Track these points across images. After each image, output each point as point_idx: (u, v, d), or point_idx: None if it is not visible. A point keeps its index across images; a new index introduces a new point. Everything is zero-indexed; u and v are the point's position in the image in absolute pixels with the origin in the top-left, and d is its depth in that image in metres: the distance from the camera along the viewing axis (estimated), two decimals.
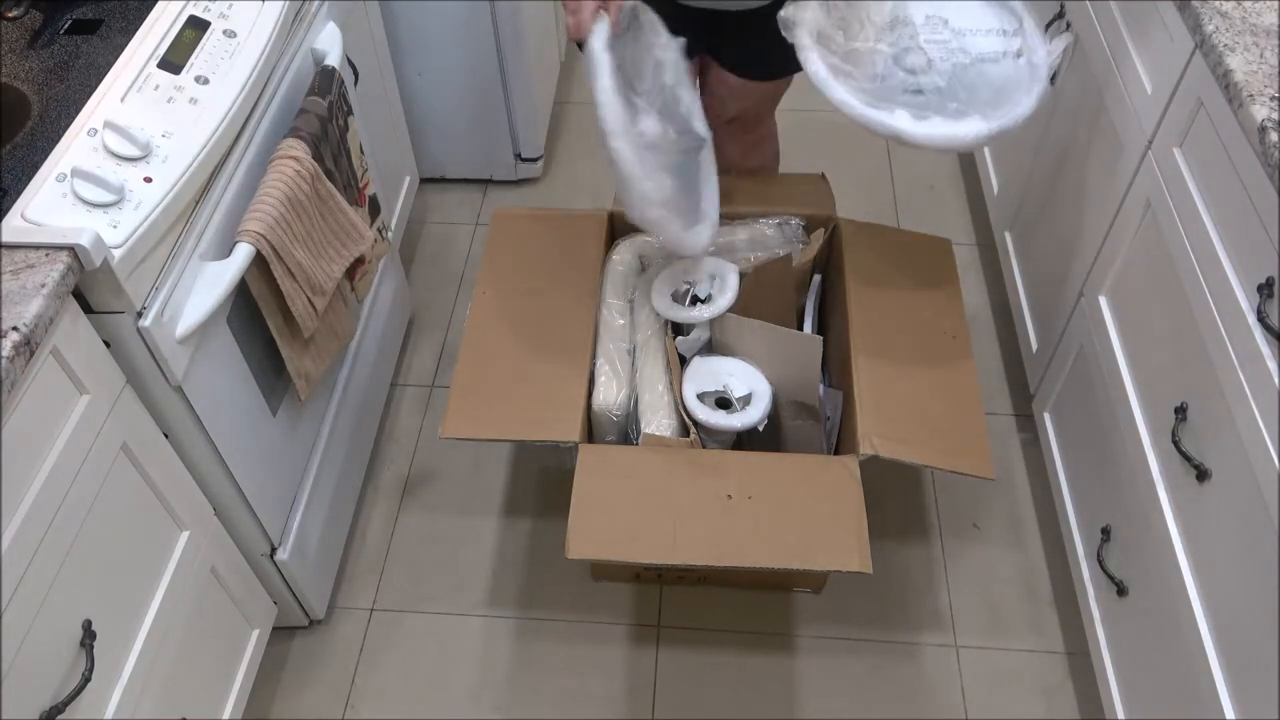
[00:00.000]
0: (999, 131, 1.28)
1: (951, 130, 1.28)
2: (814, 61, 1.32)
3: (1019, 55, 1.31)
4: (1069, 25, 1.58)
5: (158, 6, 1.24)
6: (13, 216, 1.00)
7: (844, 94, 1.30)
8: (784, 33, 1.35)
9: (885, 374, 1.42)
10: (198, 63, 1.19)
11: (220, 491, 1.28)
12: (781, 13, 1.34)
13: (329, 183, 1.31)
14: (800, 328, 1.59)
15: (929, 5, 1.35)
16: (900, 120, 1.29)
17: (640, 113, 1.31)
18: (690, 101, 1.39)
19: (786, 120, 1.78)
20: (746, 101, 1.61)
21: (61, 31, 1.24)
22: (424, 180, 2.29)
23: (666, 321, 1.51)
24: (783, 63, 1.38)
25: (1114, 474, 1.37)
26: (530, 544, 1.70)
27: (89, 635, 1.05)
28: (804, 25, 1.35)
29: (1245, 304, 1.06)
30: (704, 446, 1.42)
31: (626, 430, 1.47)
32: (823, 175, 1.70)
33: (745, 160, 1.74)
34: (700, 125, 1.41)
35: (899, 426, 1.37)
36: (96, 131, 1.07)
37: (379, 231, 1.59)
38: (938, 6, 1.35)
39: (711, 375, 1.46)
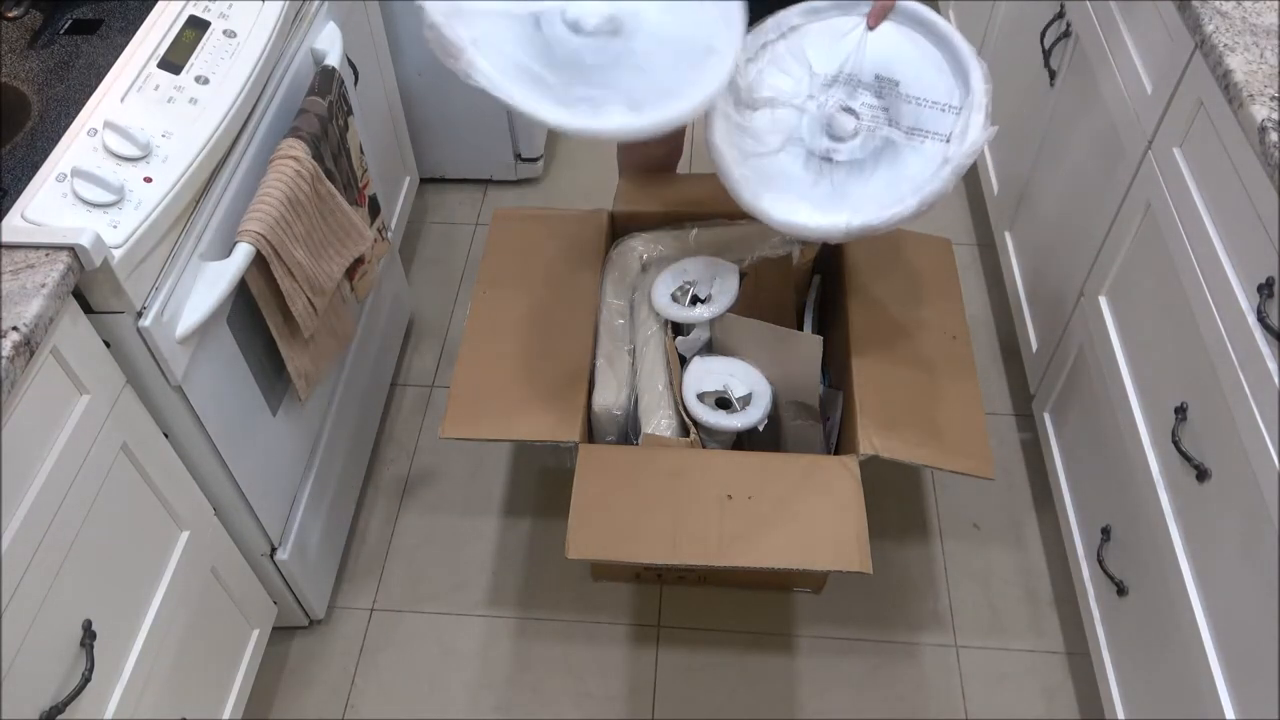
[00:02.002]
0: (862, 229, 1.27)
1: (818, 221, 1.28)
2: (717, 128, 1.31)
3: (948, 140, 1.27)
4: (1069, 25, 1.59)
5: (158, 6, 1.24)
6: (13, 216, 1.00)
7: (729, 173, 1.31)
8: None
9: (885, 374, 1.42)
10: (198, 63, 1.19)
11: (220, 491, 1.28)
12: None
13: (329, 183, 1.31)
14: (800, 328, 1.59)
15: (885, 60, 1.32)
16: (769, 206, 1.30)
17: None
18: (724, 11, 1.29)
19: None
20: None
21: (61, 31, 1.24)
22: (424, 180, 2.29)
23: (666, 321, 1.51)
24: None
25: (1114, 474, 1.37)
26: (530, 544, 1.70)
27: (89, 635, 1.05)
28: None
29: (1245, 304, 1.06)
30: (704, 446, 1.42)
31: (626, 430, 1.47)
32: None
33: None
34: (729, 35, 1.29)
35: (899, 426, 1.37)
36: (96, 131, 1.07)
37: (379, 231, 1.59)
38: (894, 63, 1.31)
39: (711, 375, 1.46)
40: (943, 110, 1.29)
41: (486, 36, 1.18)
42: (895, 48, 1.31)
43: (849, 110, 1.32)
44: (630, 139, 1.28)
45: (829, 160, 1.33)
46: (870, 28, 1.32)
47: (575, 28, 1.23)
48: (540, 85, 1.19)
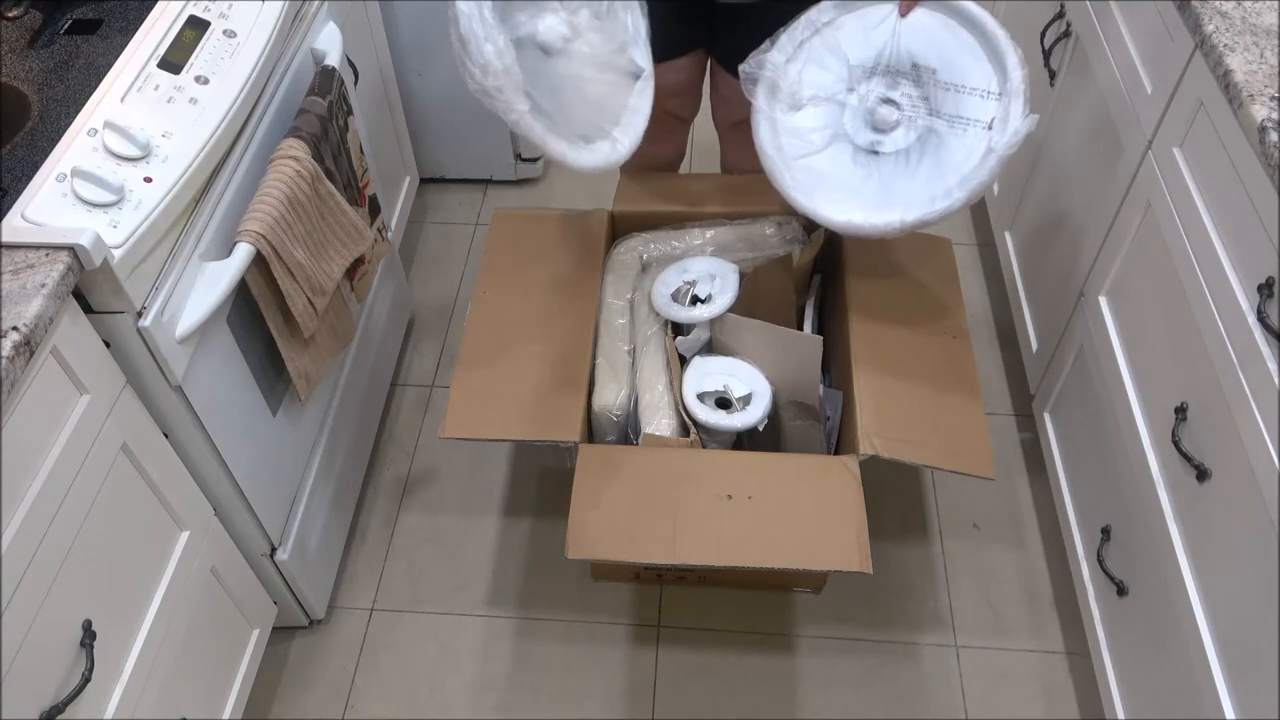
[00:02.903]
0: (916, 224, 1.28)
1: (872, 220, 1.29)
2: (762, 132, 1.33)
3: (989, 126, 1.28)
4: (1069, 25, 1.59)
5: (158, 6, 1.24)
6: (13, 216, 1.00)
7: (780, 178, 1.34)
8: (743, 88, 1.36)
9: (885, 374, 1.42)
10: (198, 63, 1.19)
11: (220, 491, 1.28)
12: (743, 66, 1.34)
13: (329, 183, 1.31)
14: (800, 328, 1.58)
15: (921, 48, 1.32)
16: (822, 206, 1.32)
17: (546, 8, 1.24)
18: (635, 27, 1.34)
19: None
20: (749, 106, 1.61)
21: (61, 31, 1.24)
22: (424, 180, 2.29)
23: (666, 321, 1.51)
24: None
25: (1114, 474, 1.37)
26: (530, 544, 1.70)
27: (89, 635, 1.05)
28: (763, 83, 1.34)
29: (1245, 304, 1.06)
30: (704, 446, 1.42)
31: (626, 430, 1.47)
32: None
33: (750, 165, 1.74)
34: (641, 55, 1.36)
35: (899, 426, 1.37)
36: (96, 131, 1.07)
37: (379, 231, 1.59)
38: (929, 51, 1.32)
39: (711, 375, 1.46)
40: (983, 96, 1.29)
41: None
42: (930, 35, 1.32)
43: (890, 101, 1.33)
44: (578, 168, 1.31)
45: (875, 154, 1.33)
46: (902, 15, 1.32)
47: (546, 50, 1.27)
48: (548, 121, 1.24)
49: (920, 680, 1.53)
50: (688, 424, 1.41)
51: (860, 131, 1.35)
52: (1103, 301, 1.43)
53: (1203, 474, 1.13)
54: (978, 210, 2.19)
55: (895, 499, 1.73)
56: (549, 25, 1.24)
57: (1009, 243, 1.87)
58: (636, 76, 1.37)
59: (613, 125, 1.33)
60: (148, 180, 1.06)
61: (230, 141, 1.20)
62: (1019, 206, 1.83)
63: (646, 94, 1.38)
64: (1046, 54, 1.64)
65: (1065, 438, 1.57)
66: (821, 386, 1.45)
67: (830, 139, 1.35)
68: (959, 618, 1.59)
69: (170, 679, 1.22)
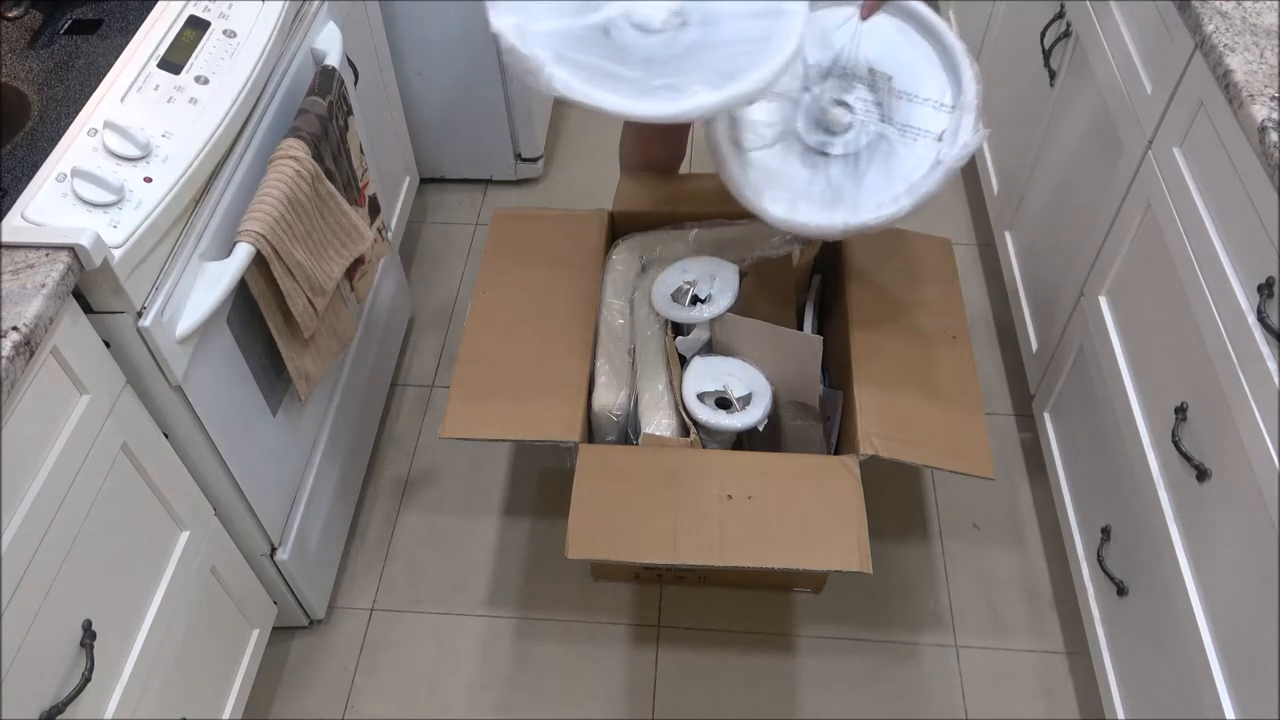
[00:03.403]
0: (860, 228, 1.28)
1: (816, 220, 1.29)
2: (720, 123, 1.32)
3: (940, 138, 1.28)
4: (1069, 25, 1.58)
5: (158, 6, 1.24)
6: (13, 216, 1.00)
7: (729, 170, 1.32)
8: None
9: (885, 374, 1.42)
10: (198, 63, 1.19)
11: (220, 491, 1.28)
12: None
13: (329, 183, 1.31)
14: (800, 328, 1.58)
15: (879, 54, 1.32)
16: (768, 203, 1.32)
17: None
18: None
19: None
20: None
21: (61, 31, 1.24)
22: (424, 180, 2.29)
23: (666, 321, 1.51)
24: None
25: (1114, 474, 1.37)
26: (530, 544, 1.70)
27: (89, 635, 1.05)
28: None
29: (1245, 304, 1.06)
30: (704, 446, 1.42)
31: (626, 430, 1.47)
32: None
33: None
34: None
35: (899, 426, 1.37)
36: (96, 131, 1.07)
37: (379, 231, 1.59)
38: (887, 57, 1.31)
39: (711, 375, 1.46)
40: (935, 108, 1.29)
41: (561, 53, 1.21)
42: (888, 41, 1.32)
43: (842, 104, 1.32)
44: (713, 115, 1.27)
45: (824, 155, 1.33)
46: (863, 17, 1.32)
47: (644, 29, 1.25)
48: (619, 82, 1.21)
49: (920, 680, 1.53)
50: (688, 424, 1.41)
51: (811, 131, 1.34)
52: (1103, 301, 1.43)
53: (1203, 474, 1.13)
54: (978, 210, 2.19)
55: (895, 499, 1.73)
56: (644, 9, 1.24)
57: (1009, 243, 1.87)
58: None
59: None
60: (148, 180, 1.06)
61: (230, 141, 1.20)
62: (1019, 206, 1.83)
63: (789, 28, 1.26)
64: (1046, 54, 1.64)
65: (1065, 438, 1.57)
66: (821, 386, 1.45)
67: (780, 135, 1.35)
68: (959, 618, 1.59)
69: (170, 679, 1.22)
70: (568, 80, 1.19)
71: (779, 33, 1.23)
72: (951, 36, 1.28)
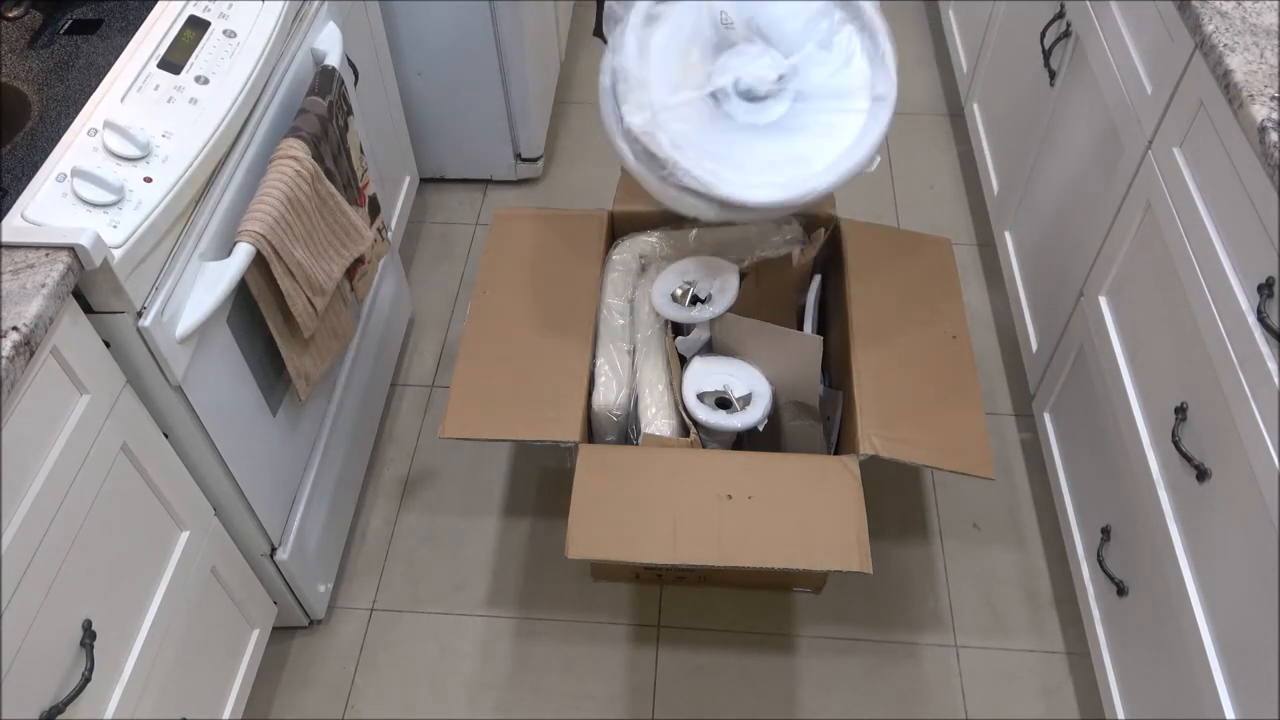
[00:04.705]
0: (782, 204, 1.29)
1: (739, 196, 1.29)
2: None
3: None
4: (1069, 25, 1.58)
5: (158, 6, 1.24)
6: (13, 216, 1.00)
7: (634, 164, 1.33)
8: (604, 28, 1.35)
9: (885, 374, 1.43)
10: (198, 63, 1.19)
11: (220, 491, 1.28)
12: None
13: (329, 183, 1.31)
14: (800, 328, 1.58)
15: (784, 13, 1.32)
16: (691, 164, 1.29)
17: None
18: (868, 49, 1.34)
19: None
20: None
21: (61, 31, 1.24)
22: (424, 180, 2.29)
23: (666, 321, 1.51)
24: None
25: (1114, 474, 1.37)
26: (530, 544, 1.70)
27: (89, 635, 1.05)
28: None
29: (1245, 304, 1.06)
30: (704, 446, 1.42)
31: (626, 430, 1.47)
32: None
33: None
34: (880, 77, 1.33)
35: (899, 426, 1.37)
36: (96, 131, 1.07)
37: (379, 231, 1.59)
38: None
39: (711, 375, 1.46)
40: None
41: (680, 132, 1.27)
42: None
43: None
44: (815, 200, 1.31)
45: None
46: None
47: (749, 96, 1.31)
48: (732, 166, 1.27)
49: (920, 680, 1.53)
50: (688, 424, 1.41)
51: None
52: (1103, 301, 1.43)
53: (1203, 474, 1.13)
54: (978, 210, 2.19)
55: (895, 499, 1.73)
56: (752, 73, 1.29)
57: (1009, 243, 1.87)
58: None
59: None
60: (148, 180, 1.06)
61: (230, 141, 1.20)
62: (1019, 206, 1.83)
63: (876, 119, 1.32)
64: (1046, 54, 1.64)
65: (1065, 437, 1.57)
66: (821, 386, 1.45)
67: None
68: (959, 618, 1.59)
69: (170, 679, 1.22)
70: (693, 171, 1.26)
71: (875, 114, 1.31)
72: (879, 21, 1.30)
